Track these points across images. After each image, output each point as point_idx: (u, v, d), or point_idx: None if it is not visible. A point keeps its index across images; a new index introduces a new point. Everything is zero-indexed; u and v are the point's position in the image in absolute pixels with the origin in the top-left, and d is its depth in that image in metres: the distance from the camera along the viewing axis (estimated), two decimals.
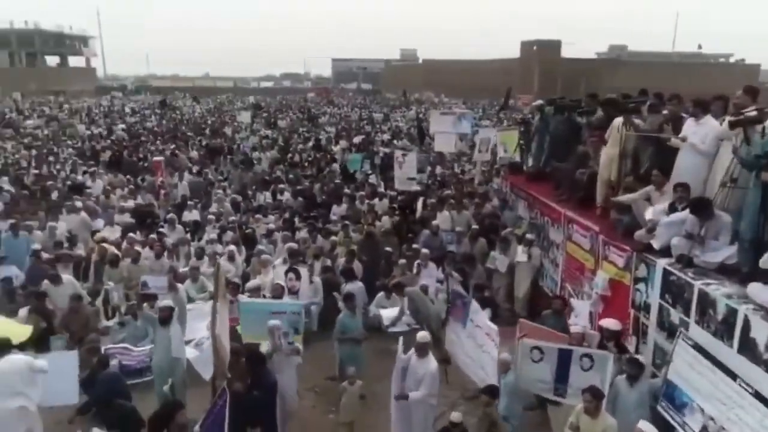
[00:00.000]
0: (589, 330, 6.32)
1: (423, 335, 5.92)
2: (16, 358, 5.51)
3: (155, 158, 17.55)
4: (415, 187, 13.09)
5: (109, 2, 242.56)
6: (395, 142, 23.21)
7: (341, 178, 15.57)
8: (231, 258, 9.20)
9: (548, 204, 8.92)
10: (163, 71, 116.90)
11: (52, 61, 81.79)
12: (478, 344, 5.96)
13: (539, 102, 11.23)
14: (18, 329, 6.64)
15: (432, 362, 5.75)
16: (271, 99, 56.49)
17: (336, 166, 17.52)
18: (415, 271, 9.08)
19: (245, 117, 30.69)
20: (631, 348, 5.95)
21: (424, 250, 9.30)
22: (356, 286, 8.22)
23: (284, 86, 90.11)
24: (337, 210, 12.27)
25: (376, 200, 12.77)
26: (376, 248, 9.95)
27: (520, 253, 9.16)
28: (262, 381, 5.51)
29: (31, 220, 11.36)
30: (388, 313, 8.12)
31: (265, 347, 6.09)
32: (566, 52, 64.23)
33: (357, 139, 23.36)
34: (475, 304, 6.16)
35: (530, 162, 10.92)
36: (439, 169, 16.72)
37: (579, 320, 6.59)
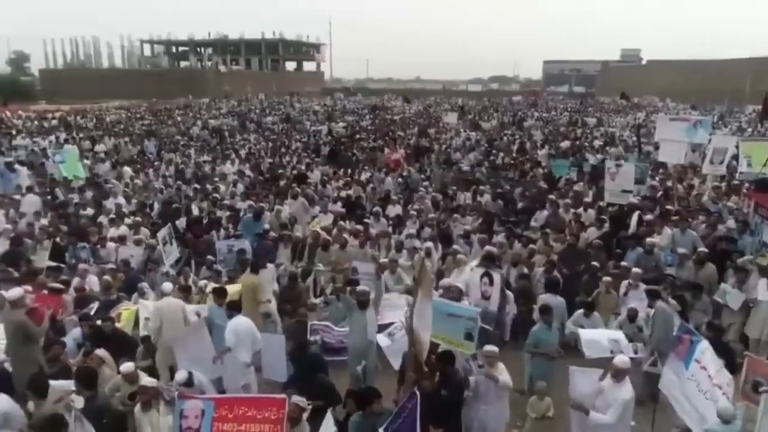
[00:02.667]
0: None
1: (623, 360, 5.32)
2: (246, 320, 6.38)
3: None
4: (632, 200, 11.77)
5: (340, 13, 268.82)
6: (608, 149, 21.42)
7: (545, 184, 14.86)
8: (428, 254, 9.36)
9: None
10: (379, 75, 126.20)
11: (291, 66, 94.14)
12: (701, 390, 5.08)
13: None
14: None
15: (628, 390, 5.21)
16: (477, 101, 56.74)
17: (540, 170, 16.80)
18: (622, 291, 8.19)
19: (451, 118, 31.35)
20: None
21: (636, 270, 8.32)
22: (556, 300, 7.69)
23: (491, 89, 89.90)
24: (539, 216, 11.70)
25: (582, 210, 11.88)
26: (579, 261, 9.22)
27: (762, 289, 7.61)
28: (451, 381, 5.45)
29: (264, 202, 13.08)
30: (587, 335, 7.42)
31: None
32: None
33: (565, 144, 22.10)
34: (704, 344, 5.27)
35: None
36: (658, 182, 14.90)
37: None
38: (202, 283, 8.36)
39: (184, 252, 10.06)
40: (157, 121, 34.40)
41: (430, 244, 9.82)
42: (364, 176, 16.54)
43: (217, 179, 16.17)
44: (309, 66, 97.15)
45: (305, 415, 5.16)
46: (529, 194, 13.74)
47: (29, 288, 7.40)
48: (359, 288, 6.69)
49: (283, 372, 6.70)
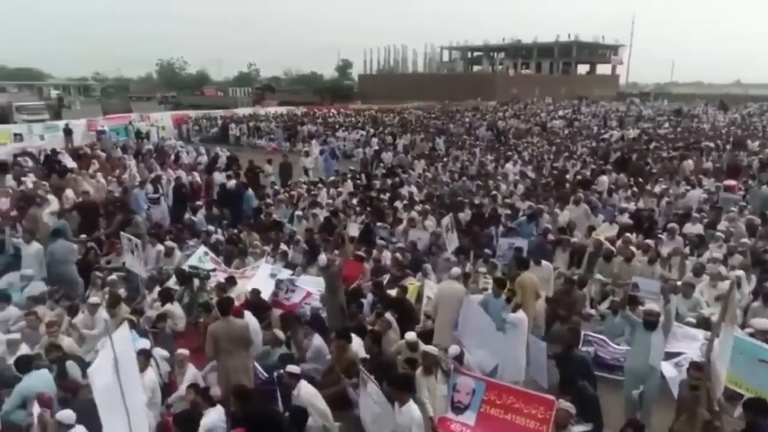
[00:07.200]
0: None
1: None
2: (524, 317, 6.54)
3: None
4: None
5: (645, 12, 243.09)
6: None
7: None
8: (738, 285, 7.95)
9: None
10: (685, 78, 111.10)
11: (583, 69, 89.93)
12: None
13: None
14: None
15: None
16: None
17: None
18: None
19: None
20: None
21: None
22: None
23: None
24: None
25: None
26: None
27: None
28: None
29: (543, 204, 12.90)
30: None
31: None
32: None
33: None
34: None
35: None
36: None
37: None
38: (481, 269, 8.72)
39: (464, 242, 10.62)
40: (448, 120, 37.01)
41: (740, 273, 8.31)
42: (658, 188, 14.86)
43: (499, 178, 16.62)
44: (603, 69, 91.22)
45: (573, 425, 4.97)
46: None
47: (337, 251, 8.92)
48: (649, 306, 6.07)
49: (544, 376, 6.60)
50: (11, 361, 6.14)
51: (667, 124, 34.96)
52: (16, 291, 8.35)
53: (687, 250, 10.01)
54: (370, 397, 5.12)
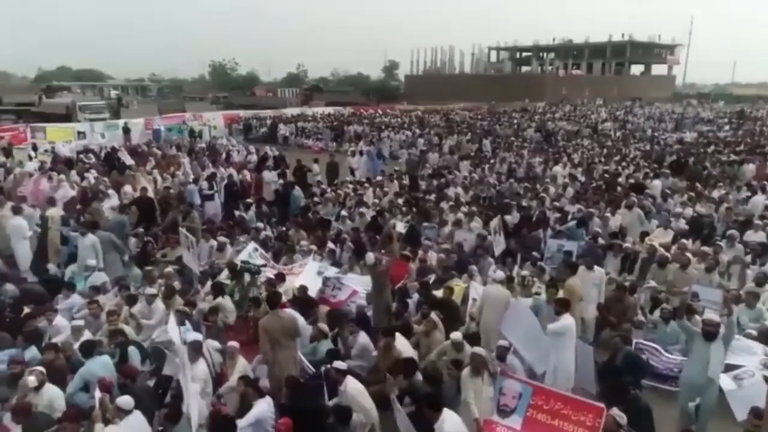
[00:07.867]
0: None
1: None
2: (573, 322, 6.44)
3: None
4: None
5: (704, 11, 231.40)
6: None
7: None
8: None
9: None
10: (749, 79, 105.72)
11: (636, 69, 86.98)
12: None
13: None
14: None
15: None
16: None
17: None
18: None
19: None
20: None
21: None
22: None
23: None
24: None
25: None
26: None
27: None
28: None
29: (594, 208, 12.55)
30: None
31: None
32: None
33: None
34: None
35: None
36: None
37: None
38: (524, 273, 8.62)
39: (511, 244, 10.47)
40: (495, 121, 36.55)
41: None
42: (716, 193, 14.24)
43: (547, 180, 16.31)
44: (659, 69, 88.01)
45: None
46: None
47: (383, 250, 8.96)
48: (708, 316, 5.83)
49: (591, 381, 6.46)
50: (76, 346, 6.48)
51: (727, 127, 33.48)
52: (80, 280, 8.82)
53: (748, 258, 9.58)
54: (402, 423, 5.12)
